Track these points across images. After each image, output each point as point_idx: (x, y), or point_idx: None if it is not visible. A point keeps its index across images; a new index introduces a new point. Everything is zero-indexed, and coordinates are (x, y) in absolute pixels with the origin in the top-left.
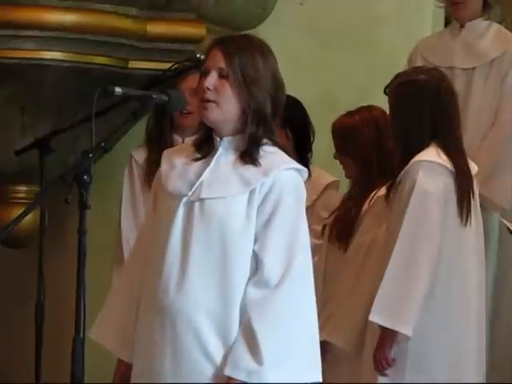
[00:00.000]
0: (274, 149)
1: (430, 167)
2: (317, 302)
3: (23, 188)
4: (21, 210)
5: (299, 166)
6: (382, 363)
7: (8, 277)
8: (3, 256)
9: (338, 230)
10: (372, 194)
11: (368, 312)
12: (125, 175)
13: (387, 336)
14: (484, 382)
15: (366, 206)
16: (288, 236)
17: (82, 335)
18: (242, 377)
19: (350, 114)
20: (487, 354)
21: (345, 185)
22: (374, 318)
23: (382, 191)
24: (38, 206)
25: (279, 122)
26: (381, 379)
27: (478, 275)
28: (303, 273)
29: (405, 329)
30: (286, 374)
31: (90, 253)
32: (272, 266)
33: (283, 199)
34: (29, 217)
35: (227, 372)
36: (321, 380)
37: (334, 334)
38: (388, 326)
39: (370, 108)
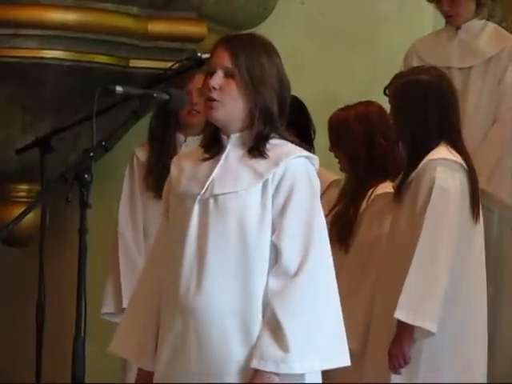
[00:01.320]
0: (282, 141)
1: (446, 165)
2: None
3: (24, 187)
4: (21, 209)
5: (309, 153)
6: (398, 360)
7: (9, 276)
8: (4, 255)
9: (338, 231)
10: (369, 193)
11: (372, 310)
12: (126, 172)
13: (405, 333)
14: (485, 381)
15: (364, 205)
16: (304, 222)
17: (82, 335)
18: (270, 367)
19: (346, 108)
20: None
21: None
22: (400, 315)
23: (380, 189)
24: (39, 205)
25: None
26: (394, 378)
27: (483, 270)
28: (321, 257)
29: (429, 325)
30: (314, 361)
31: (91, 252)
32: (290, 254)
33: (296, 186)
34: (29, 216)
35: (254, 364)
36: (349, 364)
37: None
38: (413, 323)
39: (366, 103)
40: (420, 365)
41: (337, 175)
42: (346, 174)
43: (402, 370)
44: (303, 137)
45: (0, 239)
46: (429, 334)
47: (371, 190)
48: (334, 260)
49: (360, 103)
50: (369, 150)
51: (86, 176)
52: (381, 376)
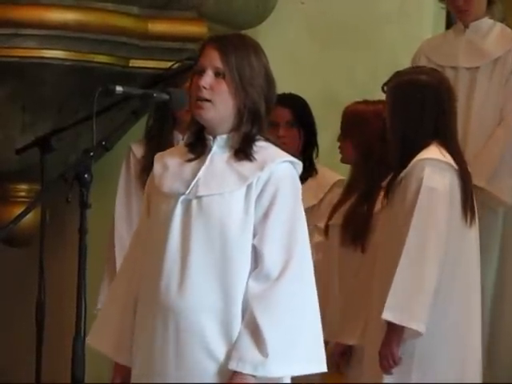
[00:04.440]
0: (266, 144)
1: (435, 165)
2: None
3: (24, 187)
4: (21, 209)
5: (293, 158)
6: (388, 361)
7: (8, 275)
8: (4, 255)
9: (353, 231)
10: (384, 192)
11: None
12: (122, 168)
13: (395, 333)
14: (480, 381)
15: (379, 204)
16: (286, 227)
17: (82, 334)
18: (247, 370)
19: (364, 102)
20: (487, 353)
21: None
22: (387, 315)
23: None
24: (39, 205)
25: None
26: (386, 378)
27: (478, 273)
28: (303, 264)
29: (417, 325)
30: (292, 365)
31: (90, 251)
32: (272, 259)
33: (280, 191)
34: (29, 215)
35: (232, 366)
36: (326, 370)
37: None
38: (401, 324)
39: (384, 102)
40: (413, 365)
41: (339, 175)
42: (351, 165)
43: (395, 370)
44: (308, 136)
45: (0, 239)
46: (417, 334)
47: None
48: (350, 261)
49: (379, 101)
50: (382, 146)
51: (85, 176)
52: (378, 374)
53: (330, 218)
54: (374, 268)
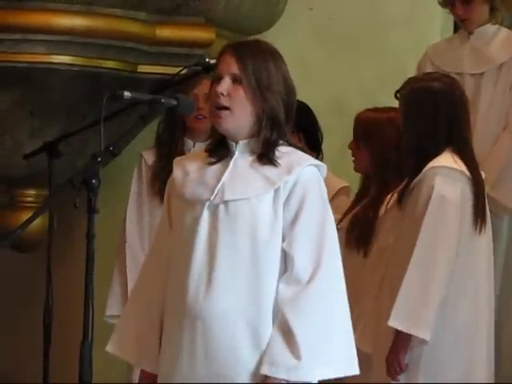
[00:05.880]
0: (290, 149)
1: (447, 173)
2: None
3: (32, 192)
4: (29, 214)
5: (319, 162)
6: (394, 368)
7: (16, 280)
8: (12, 260)
9: (357, 235)
10: (389, 197)
11: None
12: (134, 176)
13: (402, 341)
14: (493, 381)
15: (383, 209)
16: (316, 231)
17: (89, 339)
18: (281, 374)
19: (375, 109)
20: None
21: (356, 190)
22: (394, 323)
23: None
24: (47, 210)
25: (291, 126)
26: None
27: (489, 281)
28: (333, 266)
29: (423, 333)
30: (325, 369)
31: (98, 256)
32: (302, 262)
33: (308, 195)
34: (37, 221)
35: (265, 371)
36: (358, 372)
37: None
38: (407, 331)
39: (396, 109)
40: (419, 372)
41: (345, 182)
42: (363, 174)
43: (401, 376)
44: (311, 141)
45: (8, 244)
46: (424, 342)
47: (390, 195)
48: (353, 263)
49: (390, 108)
50: (398, 154)
51: (93, 181)
52: (387, 379)
53: (338, 223)
54: (375, 272)
